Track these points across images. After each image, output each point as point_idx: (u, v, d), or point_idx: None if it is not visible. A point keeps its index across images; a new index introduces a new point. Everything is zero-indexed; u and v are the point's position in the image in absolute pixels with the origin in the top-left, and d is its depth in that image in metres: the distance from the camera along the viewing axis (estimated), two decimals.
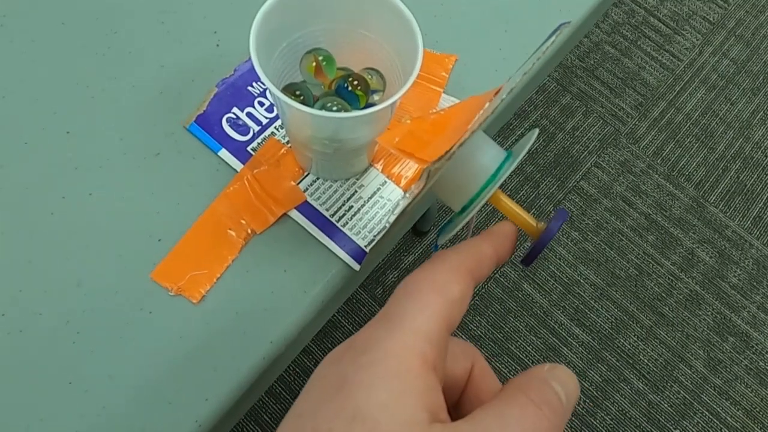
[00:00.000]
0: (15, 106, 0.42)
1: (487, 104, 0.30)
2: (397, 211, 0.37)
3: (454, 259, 0.25)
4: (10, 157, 0.41)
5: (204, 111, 0.42)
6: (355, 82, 0.36)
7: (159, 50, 0.45)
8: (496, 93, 0.31)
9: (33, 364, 0.36)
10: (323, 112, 0.31)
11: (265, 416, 1.12)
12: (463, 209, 0.31)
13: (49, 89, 0.43)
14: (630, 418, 1.17)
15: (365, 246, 0.40)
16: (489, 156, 0.31)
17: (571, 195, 1.32)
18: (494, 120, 0.46)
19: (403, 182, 0.42)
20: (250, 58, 0.45)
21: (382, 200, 0.41)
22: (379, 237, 0.39)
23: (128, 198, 0.40)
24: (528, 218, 0.31)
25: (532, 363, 1.19)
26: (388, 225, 0.39)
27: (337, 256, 0.40)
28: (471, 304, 1.22)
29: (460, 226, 0.31)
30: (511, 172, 1.32)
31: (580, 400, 1.17)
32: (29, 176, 0.40)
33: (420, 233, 1.26)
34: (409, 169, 0.42)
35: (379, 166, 0.42)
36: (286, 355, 0.38)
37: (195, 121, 0.42)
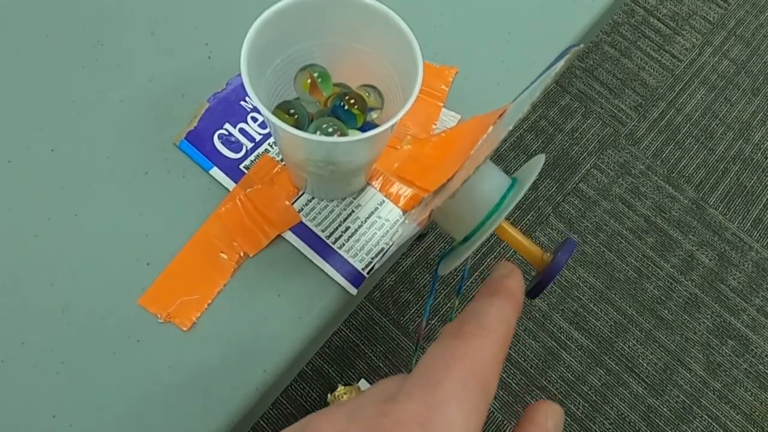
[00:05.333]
0: None
1: (490, 129, 0.28)
2: (398, 240, 0.35)
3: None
4: None
5: (195, 127, 0.41)
6: (352, 101, 0.34)
7: (148, 62, 0.43)
8: (500, 115, 0.30)
9: (15, 396, 0.34)
10: (316, 137, 0.29)
11: (260, 421, 1.11)
12: (466, 239, 0.30)
13: (33, 105, 0.41)
14: (629, 423, 1.17)
15: (362, 269, 0.38)
16: (493, 184, 0.29)
17: (570, 197, 1.31)
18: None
19: (401, 201, 0.40)
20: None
21: (380, 221, 0.39)
22: (377, 262, 0.38)
23: (116, 219, 0.38)
24: (534, 249, 0.30)
25: (531, 367, 1.18)
26: (386, 250, 0.37)
27: (333, 279, 0.38)
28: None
29: (463, 258, 0.29)
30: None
31: (579, 404, 1.16)
32: (12, 196, 0.39)
33: (419, 236, 1.25)
34: (408, 188, 0.40)
35: (376, 185, 0.40)
36: (280, 383, 0.37)
37: (185, 138, 0.41)
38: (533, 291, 0.29)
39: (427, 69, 0.44)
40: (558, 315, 1.23)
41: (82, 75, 0.42)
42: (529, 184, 0.28)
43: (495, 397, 1.15)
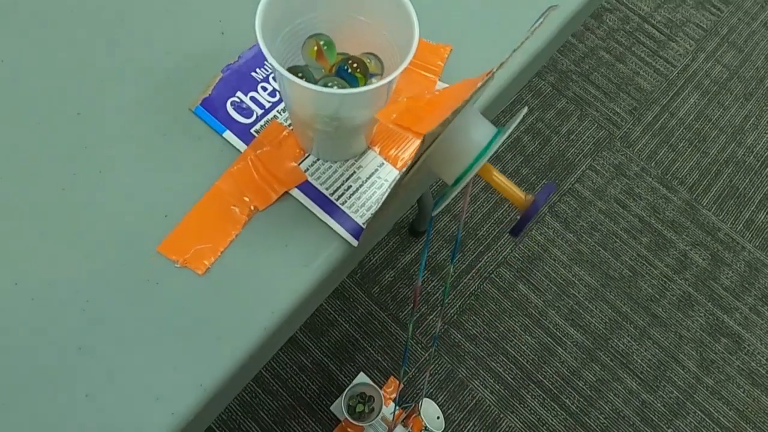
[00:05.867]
0: (28, 89, 0.44)
1: (479, 83, 0.32)
2: (395, 179, 0.38)
3: None
4: (24, 136, 0.42)
5: (209, 95, 0.44)
6: (355, 65, 0.38)
7: (165, 37, 0.47)
8: (488, 74, 0.33)
9: (44, 331, 0.37)
10: (326, 89, 0.32)
11: (261, 412, 1.13)
12: (456, 181, 0.33)
13: (60, 73, 0.45)
14: (624, 417, 1.18)
15: (363, 223, 0.41)
16: (480, 132, 0.33)
17: (566, 197, 1.34)
18: (492, 102, 0.48)
19: (399, 164, 0.43)
20: (254, 46, 0.47)
21: (379, 180, 0.43)
22: (376, 208, 0.41)
23: (136, 175, 0.42)
24: (517, 191, 0.33)
25: (526, 362, 1.20)
26: (388, 191, 0.40)
27: (336, 232, 0.41)
28: (467, 303, 1.23)
29: (451, 197, 0.33)
30: (507, 174, 1.34)
31: (574, 398, 1.18)
32: (42, 154, 0.42)
33: (416, 233, 1.28)
34: (406, 150, 0.44)
35: (377, 149, 0.44)
36: (285, 327, 0.40)
37: (200, 104, 0.44)
38: (515, 229, 0.33)
39: (423, 46, 0.47)
40: (554, 312, 1.25)
41: (105, 47, 0.46)
42: (509, 131, 0.32)
43: (491, 391, 1.17)
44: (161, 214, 0.41)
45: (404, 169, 0.30)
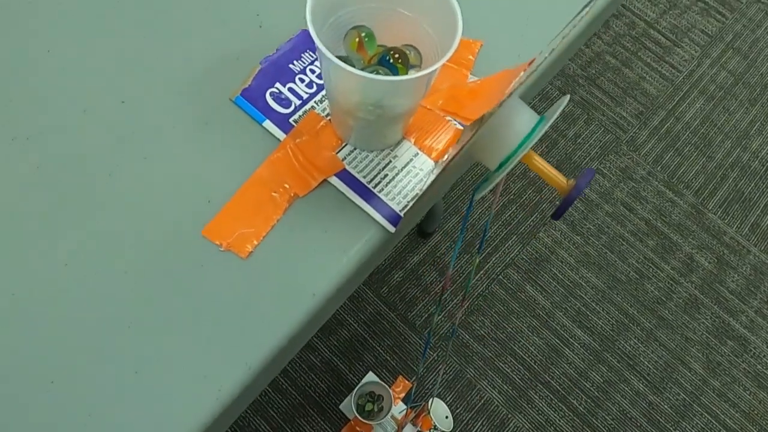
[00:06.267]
0: (75, 79, 0.45)
1: (522, 73, 0.33)
2: (442, 161, 0.39)
3: None
4: (71, 124, 0.44)
5: (249, 85, 0.46)
6: (397, 56, 0.39)
7: (205, 31, 0.48)
8: (529, 64, 0.35)
9: (94, 309, 0.38)
10: (375, 76, 0.34)
11: (271, 411, 1.14)
12: (500, 166, 0.34)
13: (106, 64, 0.46)
14: (630, 419, 1.19)
15: (400, 210, 0.43)
16: (524, 119, 0.34)
17: None
18: (529, 87, 0.49)
19: (433, 154, 0.45)
20: (291, 39, 0.48)
21: (414, 170, 0.44)
22: (419, 194, 0.42)
23: (180, 162, 0.43)
24: (558, 176, 0.34)
25: (534, 363, 1.21)
26: (433, 176, 0.41)
27: (373, 219, 0.42)
28: (475, 305, 1.24)
29: (495, 182, 0.34)
30: (515, 177, 1.35)
31: (582, 399, 1.19)
32: (89, 141, 0.43)
33: (425, 234, 1.29)
34: (440, 141, 0.45)
35: (411, 139, 0.45)
36: (325, 309, 0.41)
37: (241, 95, 0.45)
38: (557, 213, 0.34)
39: None
40: (561, 313, 1.26)
41: (148, 39, 0.47)
42: (554, 118, 0.33)
43: (499, 391, 1.18)
44: (204, 199, 0.42)
45: (451, 152, 0.32)
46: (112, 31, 0.47)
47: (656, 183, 1.38)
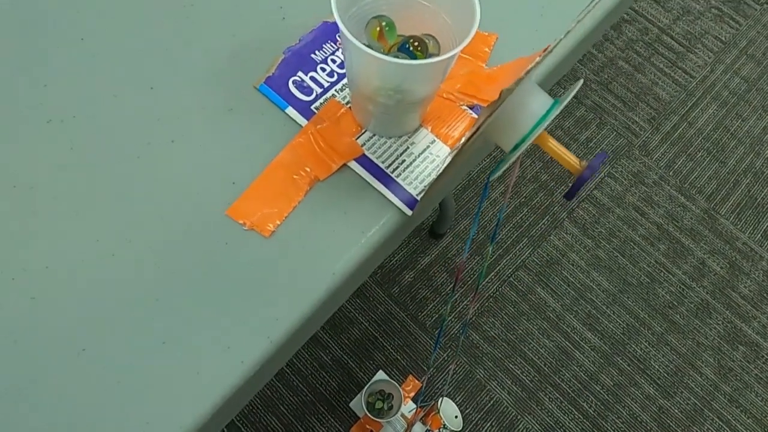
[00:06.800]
0: (105, 65, 0.47)
1: (537, 58, 0.34)
2: (459, 144, 0.41)
3: None
4: (102, 108, 0.45)
5: (272, 74, 0.47)
6: (416, 43, 0.41)
7: (230, 22, 0.50)
8: (545, 50, 0.36)
9: (124, 283, 0.40)
10: (394, 59, 0.35)
11: (282, 408, 1.15)
12: (515, 148, 0.36)
13: (134, 51, 0.48)
14: (641, 422, 1.19)
15: (417, 194, 0.44)
16: (538, 102, 0.35)
17: (584, 203, 1.36)
18: (548, 75, 0.50)
19: (450, 141, 0.46)
20: (313, 30, 0.50)
21: (431, 156, 0.45)
22: (435, 175, 0.43)
23: (205, 146, 0.45)
24: (571, 157, 0.36)
25: (544, 365, 1.21)
26: (456, 151, 0.42)
27: (391, 202, 0.44)
28: (485, 306, 1.25)
29: (510, 162, 0.35)
30: (526, 180, 1.36)
31: (592, 402, 1.19)
32: (118, 124, 0.45)
33: (437, 236, 1.30)
34: (456, 129, 0.46)
35: (428, 127, 0.46)
36: (344, 288, 0.42)
37: (264, 83, 0.47)
38: (569, 192, 0.35)
39: None
40: (572, 316, 1.27)
41: (176, 29, 0.49)
42: (567, 101, 0.34)
43: (509, 392, 1.19)
44: (229, 181, 0.43)
45: (468, 133, 0.33)
46: (142, 21, 0.49)
47: (668, 188, 1.39)
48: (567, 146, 1.42)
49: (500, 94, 0.29)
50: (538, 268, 1.30)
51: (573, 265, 1.31)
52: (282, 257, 0.41)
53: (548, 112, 0.35)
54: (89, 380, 0.38)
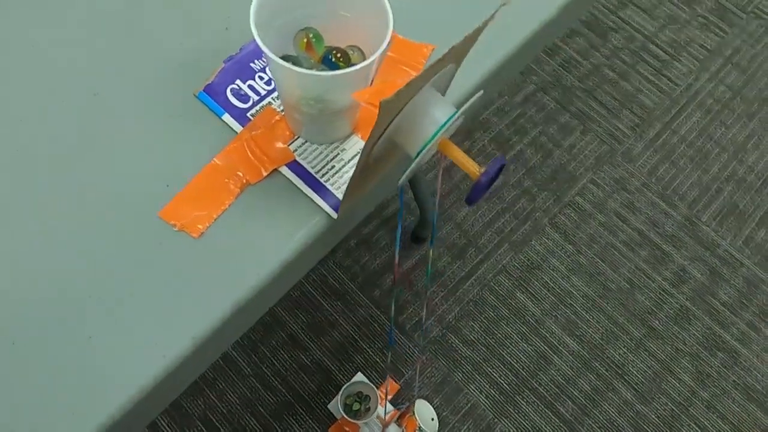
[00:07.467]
0: (50, 70, 0.49)
1: (433, 64, 0.36)
2: (361, 150, 0.42)
3: None
4: (45, 112, 0.48)
5: (212, 81, 0.50)
6: (338, 55, 0.42)
7: (177, 32, 0.52)
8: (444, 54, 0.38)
9: (57, 280, 0.42)
10: (307, 71, 0.37)
11: (260, 407, 1.16)
12: (418, 154, 0.37)
13: (80, 58, 0.50)
14: (618, 427, 1.20)
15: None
16: (440, 110, 0.37)
17: (566, 209, 1.37)
18: (489, 80, 0.51)
19: None
20: (253, 40, 0.52)
21: None
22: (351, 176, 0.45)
23: (144, 149, 0.47)
24: (472, 163, 0.37)
25: (523, 369, 1.22)
26: (357, 162, 0.44)
27: (319, 206, 0.46)
28: (465, 309, 1.26)
29: (413, 168, 0.37)
30: (509, 186, 1.37)
31: (569, 406, 1.20)
32: (59, 130, 0.47)
33: (419, 240, 1.32)
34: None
35: (359, 134, 0.48)
36: (269, 290, 0.44)
37: (203, 90, 0.49)
38: (469, 197, 0.37)
39: (407, 45, 0.52)
40: (551, 321, 1.28)
41: (122, 38, 0.51)
42: (464, 109, 0.36)
43: (486, 395, 1.20)
44: (163, 184, 0.46)
45: (369, 140, 0.35)
46: (88, 27, 0.52)
47: (650, 194, 1.40)
48: (550, 153, 1.43)
49: (379, 105, 0.31)
50: (518, 273, 1.31)
51: (554, 270, 1.32)
52: (210, 258, 0.43)
53: (449, 119, 0.36)
54: (18, 372, 0.40)
